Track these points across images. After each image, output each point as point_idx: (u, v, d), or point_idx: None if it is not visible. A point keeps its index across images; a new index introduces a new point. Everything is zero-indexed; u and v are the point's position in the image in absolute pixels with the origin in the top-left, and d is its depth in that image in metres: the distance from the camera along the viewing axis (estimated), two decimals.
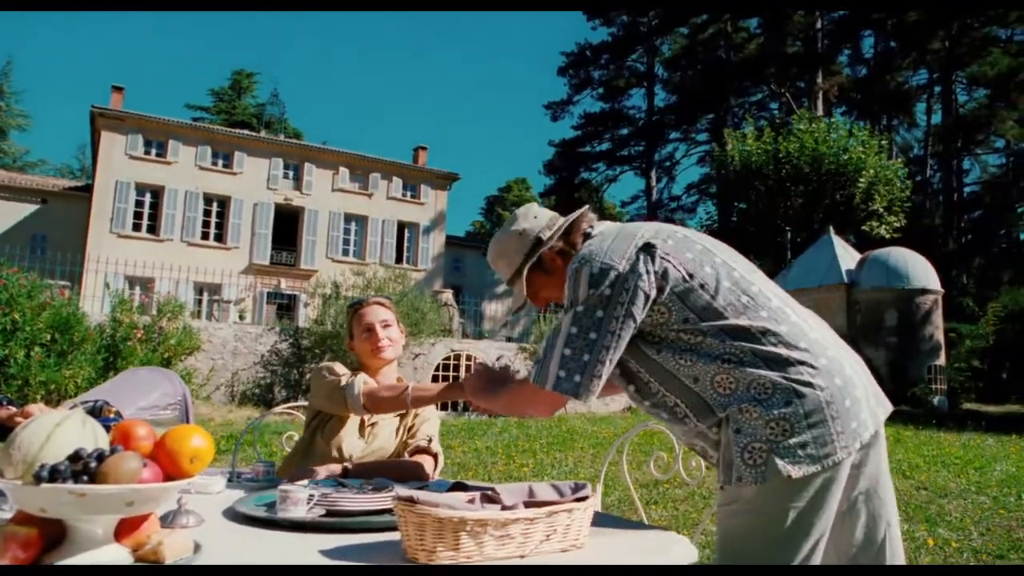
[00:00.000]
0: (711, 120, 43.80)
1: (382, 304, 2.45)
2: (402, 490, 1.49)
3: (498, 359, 2.00)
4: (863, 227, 24.10)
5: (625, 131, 46.47)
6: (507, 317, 35.90)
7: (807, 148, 23.72)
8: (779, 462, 1.43)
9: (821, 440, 1.44)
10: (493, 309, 36.00)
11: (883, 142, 25.20)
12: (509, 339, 24.20)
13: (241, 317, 23.00)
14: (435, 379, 15.34)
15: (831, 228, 21.77)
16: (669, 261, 1.56)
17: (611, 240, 1.61)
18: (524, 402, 1.72)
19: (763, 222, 25.12)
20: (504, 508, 1.37)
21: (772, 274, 25.15)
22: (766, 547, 1.47)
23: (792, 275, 21.82)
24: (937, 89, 38.94)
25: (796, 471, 1.43)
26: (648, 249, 1.56)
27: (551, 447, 9.14)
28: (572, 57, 45.71)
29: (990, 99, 35.28)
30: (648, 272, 1.53)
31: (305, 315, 21.44)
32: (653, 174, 45.34)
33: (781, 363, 1.49)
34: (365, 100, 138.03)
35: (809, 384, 1.47)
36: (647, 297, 1.53)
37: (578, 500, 1.41)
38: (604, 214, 32.29)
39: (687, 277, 1.55)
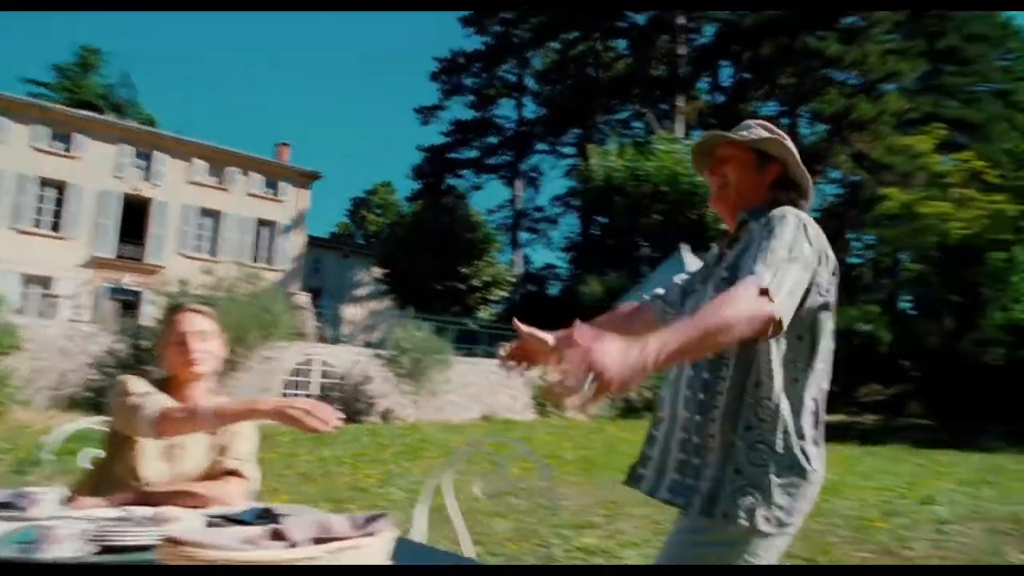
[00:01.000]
0: (578, 135, 44.95)
1: (200, 313, 2.26)
2: (180, 525, 1.35)
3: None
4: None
5: (494, 140, 46.94)
6: (368, 321, 35.29)
7: (665, 168, 24.83)
8: (760, 514, 1.49)
9: (791, 509, 1.51)
10: (353, 313, 35.31)
11: None
12: (368, 344, 23.73)
13: (78, 314, 21.33)
14: (286, 384, 14.80)
15: (682, 246, 22.83)
16: (832, 286, 1.59)
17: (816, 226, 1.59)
18: (745, 309, 1.37)
19: (622, 237, 26.00)
20: (291, 545, 1.26)
21: (626, 288, 26.16)
22: None
23: (644, 290, 22.70)
24: (785, 121, 41.79)
25: (767, 527, 1.49)
26: (831, 263, 1.58)
27: (400, 457, 8.99)
28: (445, 63, 45.72)
29: (829, 134, 38.18)
30: (827, 280, 1.56)
31: (150, 314, 20.15)
32: (519, 184, 46.02)
33: (808, 432, 1.55)
34: (227, 91, 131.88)
35: (811, 463, 1.54)
36: (814, 295, 1.53)
37: (367, 535, 1.32)
38: (469, 222, 32.40)
39: (829, 310, 1.58)
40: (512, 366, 1.95)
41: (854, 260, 42.41)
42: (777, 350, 1.54)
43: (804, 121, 41.46)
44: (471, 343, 21.04)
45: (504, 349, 1.96)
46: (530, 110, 47.10)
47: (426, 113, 46.45)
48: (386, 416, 14.86)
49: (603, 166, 25.77)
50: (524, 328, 1.91)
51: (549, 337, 1.87)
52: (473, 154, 47.04)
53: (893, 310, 35.33)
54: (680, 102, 38.82)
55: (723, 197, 1.76)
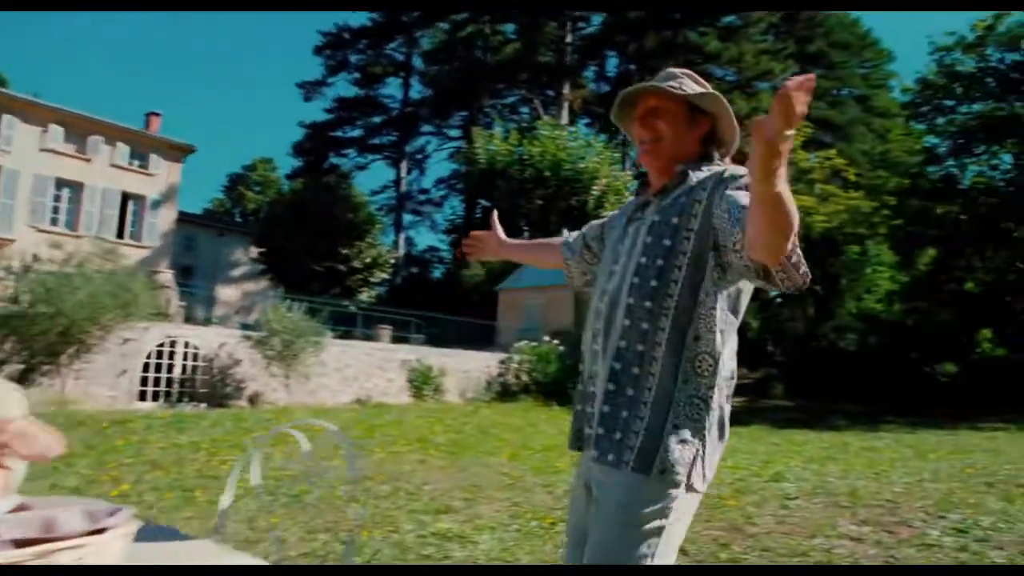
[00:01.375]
0: (464, 117, 44.72)
1: None
2: None
3: None
4: None
5: (378, 119, 46.04)
6: (244, 302, 33.98)
7: (549, 154, 25.01)
8: (696, 470, 1.47)
9: (712, 467, 1.52)
10: (228, 294, 33.90)
11: (616, 154, 27.23)
12: (244, 326, 22.83)
13: None
14: (146, 367, 13.98)
15: (565, 231, 23.11)
16: None
17: None
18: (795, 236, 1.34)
19: (505, 220, 26.06)
20: None
21: (507, 272, 26.34)
22: (648, 545, 1.46)
23: (527, 273, 22.86)
24: None
25: (700, 484, 1.48)
26: None
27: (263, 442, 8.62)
28: (330, 37, 44.37)
29: None
30: None
31: None
32: (404, 165, 45.38)
33: (727, 391, 1.55)
34: (93, 55, 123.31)
35: (728, 424, 1.56)
36: None
37: (98, 532, 1.13)
38: (351, 202, 31.68)
39: None
40: (466, 251, 2.21)
41: None
42: (719, 303, 1.52)
43: None
44: (349, 325, 20.58)
45: (468, 237, 2.20)
46: (417, 90, 46.49)
47: (309, 88, 45.06)
48: (254, 400, 14.29)
49: (488, 150, 25.69)
50: (495, 219, 2.17)
51: (503, 238, 2.17)
52: (357, 133, 46.07)
53: (761, 298, 37.25)
54: (566, 90, 39.26)
55: (656, 151, 1.69)
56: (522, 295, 22.64)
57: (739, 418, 16.34)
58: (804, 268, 1.40)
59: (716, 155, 1.70)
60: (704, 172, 1.61)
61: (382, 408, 14.05)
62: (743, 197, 1.42)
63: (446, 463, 7.55)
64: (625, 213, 1.78)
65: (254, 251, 32.84)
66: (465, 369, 18.09)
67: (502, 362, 19.00)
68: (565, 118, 36.61)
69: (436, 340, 21.15)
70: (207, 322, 21.23)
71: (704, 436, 1.48)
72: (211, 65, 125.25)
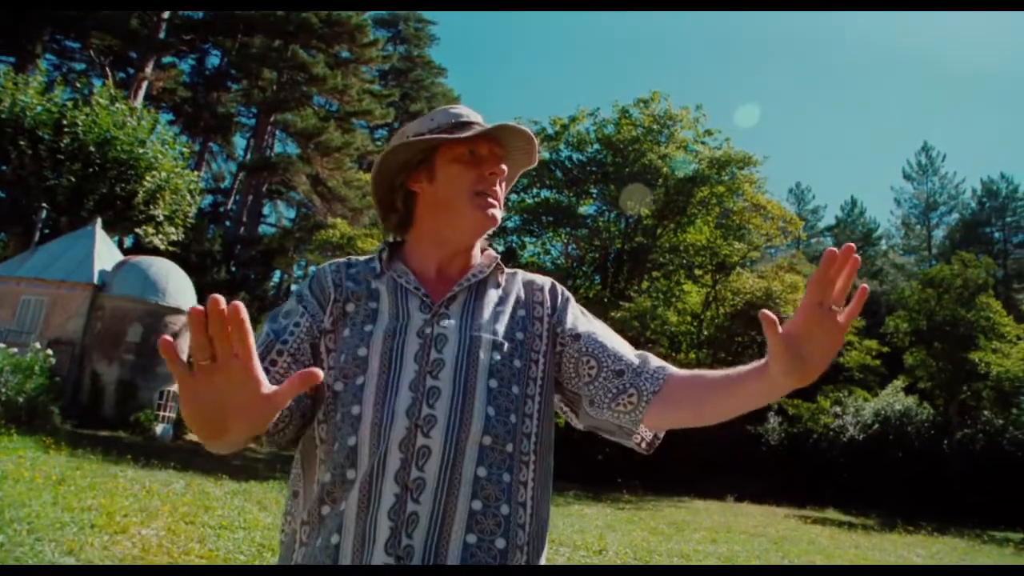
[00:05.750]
0: (14, 65, 36.20)
1: None
2: None
3: None
4: (138, 230, 21.88)
5: None
6: None
7: (99, 127, 20.57)
8: None
9: None
10: None
11: (184, 150, 23.76)
12: None
13: None
14: None
15: (100, 221, 18.96)
16: None
17: None
18: None
19: (21, 190, 20.68)
20: None
21: (12, 255, 20.80)
22: None
23: (33, 261, 18.06)
24: (251, 122, 40.09)
25: None
26: None
27: None
28: None
29: (300, 156, 37.40)
30: None
31: None
32: None
33: None
34: None
35: None
36: None
37: None
38: None
39: None
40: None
41: (295, 287, 42.67)
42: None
43: (280, 134, 40.45)
44: None
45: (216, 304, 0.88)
46: None
47: None
48: None
49: (18, 99, 20.24)
50: (251, 343, 0.96)
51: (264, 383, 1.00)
52: None
53: None
54: (150, 68, 34.15)
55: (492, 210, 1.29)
56: (19, 287, 17.73)
57: None
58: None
59: None
60: (505, 268, 1.31)
61: None
62: (602, 335, 1.23)
63: None
64: (379, 307, 1.22)
65: None
66: None
67: None
68: (139, 99, 31.61)
69: None
70: None
71: None
72: None
